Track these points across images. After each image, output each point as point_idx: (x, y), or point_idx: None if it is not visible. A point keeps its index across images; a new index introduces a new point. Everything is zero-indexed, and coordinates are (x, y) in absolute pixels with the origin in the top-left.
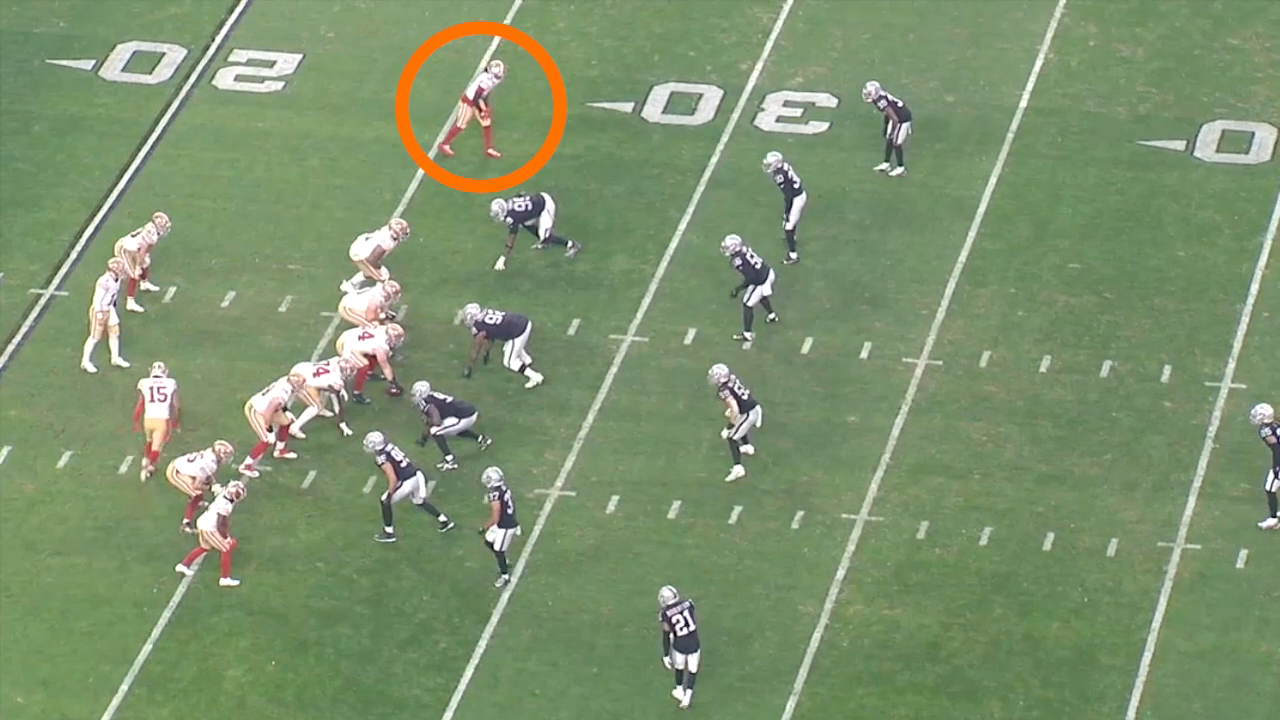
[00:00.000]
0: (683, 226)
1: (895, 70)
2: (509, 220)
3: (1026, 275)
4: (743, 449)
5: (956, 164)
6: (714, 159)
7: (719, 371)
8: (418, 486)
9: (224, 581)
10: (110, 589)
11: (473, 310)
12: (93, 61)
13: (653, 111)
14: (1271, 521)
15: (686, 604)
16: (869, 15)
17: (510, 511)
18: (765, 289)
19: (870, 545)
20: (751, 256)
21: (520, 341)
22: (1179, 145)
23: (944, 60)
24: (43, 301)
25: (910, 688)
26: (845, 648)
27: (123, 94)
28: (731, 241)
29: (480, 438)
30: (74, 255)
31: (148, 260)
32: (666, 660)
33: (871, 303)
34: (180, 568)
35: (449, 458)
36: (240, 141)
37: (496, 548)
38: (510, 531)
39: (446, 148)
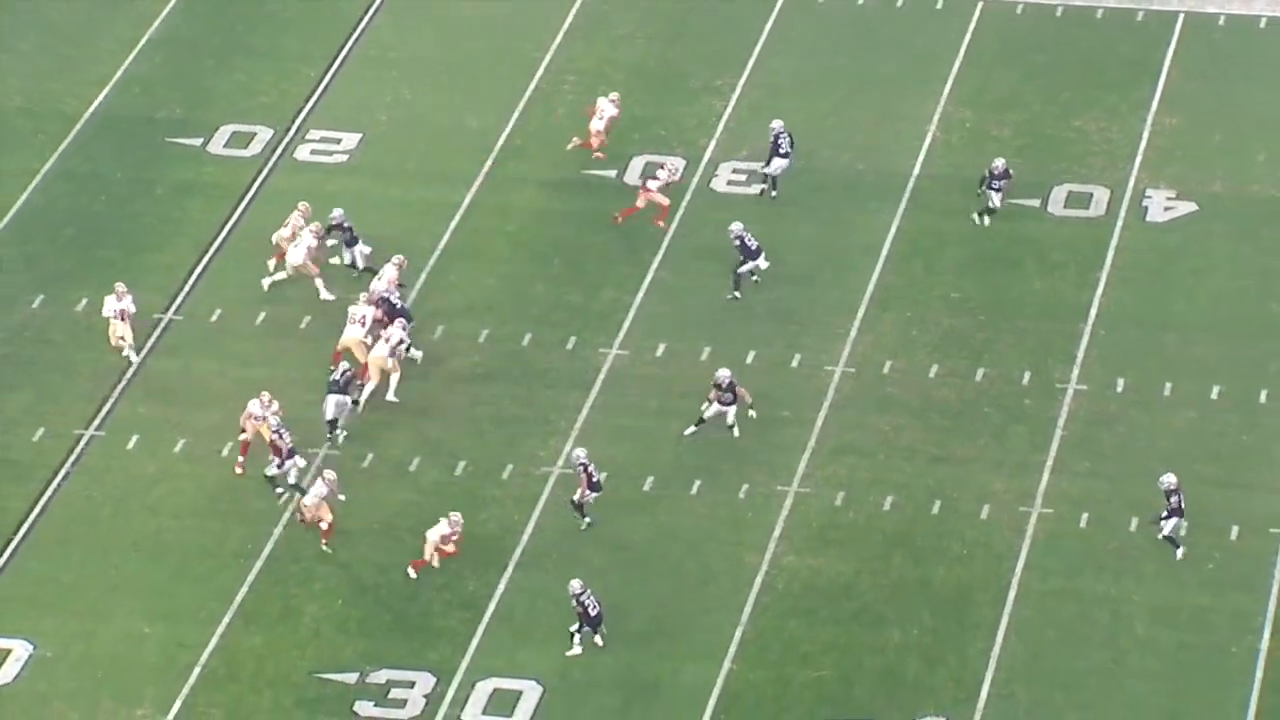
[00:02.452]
0: (654, 265)
1: (818, 145)
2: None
3: (919, 303)
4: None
5: (866, 217)
6: (679, 213)
7: (723, 374)
8: (593, 495)
9: (324, 546)
10: (215, 544)
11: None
12: (201, 139)
13: (631, 177)
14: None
15: (590, 591)
16: (798, 104)
17: (596, 480)
18: (761, 263)
19: (799, 510)
20: (749, 240)
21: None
22: (1035, 203)
23: (856, 137)
24: (162, 325)
25: (830, 620)
26: (780, 590)
27: (224, 165)
28: (735, 226)
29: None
30: (186, 289)
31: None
32: (573, 629)
33: (800, 324)
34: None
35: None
36: (313, 201)
37: (577, 500)
38: (593, 495)
39: (597, 150)
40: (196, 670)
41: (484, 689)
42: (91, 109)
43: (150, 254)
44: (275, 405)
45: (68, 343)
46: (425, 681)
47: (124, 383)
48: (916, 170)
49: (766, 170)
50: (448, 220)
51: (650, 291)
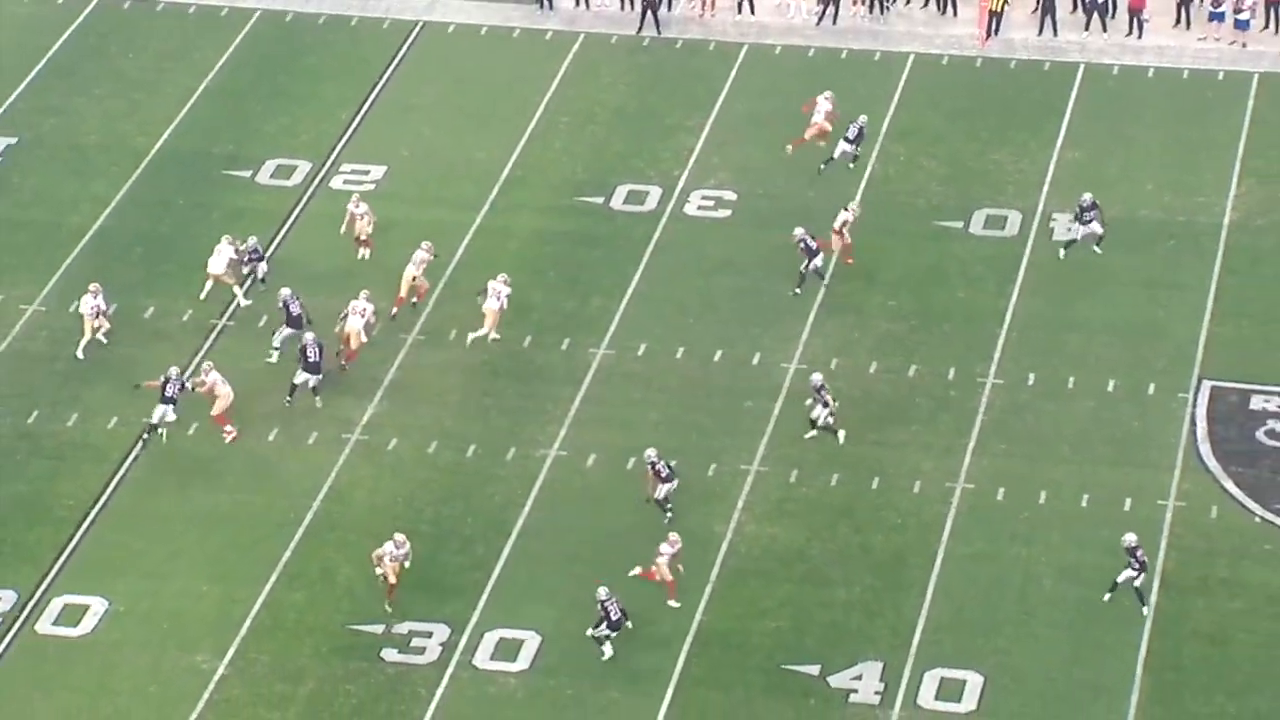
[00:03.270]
0: (636, 278)
1: (774, 175)
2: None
3: (860, 310)
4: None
5: (810, 221)
6: (656, 234)
7: (816, 378)
8: (671, 490)
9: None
10: (262, 516)
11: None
12: (250, 171)
13: (616, 202)
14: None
15: (615, 599)
16: (757, 141)
17: (665, 474)
18: (817, 261)
19: (759, 486)
20: (810, 241)
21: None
22: (959, 224)
23: (808, 168)
24: (217, 329)
25: (785, 579)
26: (743, 554)
27: (270, 193)
28: (798, 231)
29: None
30: (232, 302)
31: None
32: (591, 631)
33: (760, 327)
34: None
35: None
36: (341, 221)
37: (658, 498)
38: (668, 486)
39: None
40: (247, 623)
41: (491, 638)
42: (158, 145)
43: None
44: (408, 546)
45: (137, 344)
46: (441, 632)
47: (185, 376)
48: (858, 197)
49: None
50: (460, 239)
51: (632, 300)
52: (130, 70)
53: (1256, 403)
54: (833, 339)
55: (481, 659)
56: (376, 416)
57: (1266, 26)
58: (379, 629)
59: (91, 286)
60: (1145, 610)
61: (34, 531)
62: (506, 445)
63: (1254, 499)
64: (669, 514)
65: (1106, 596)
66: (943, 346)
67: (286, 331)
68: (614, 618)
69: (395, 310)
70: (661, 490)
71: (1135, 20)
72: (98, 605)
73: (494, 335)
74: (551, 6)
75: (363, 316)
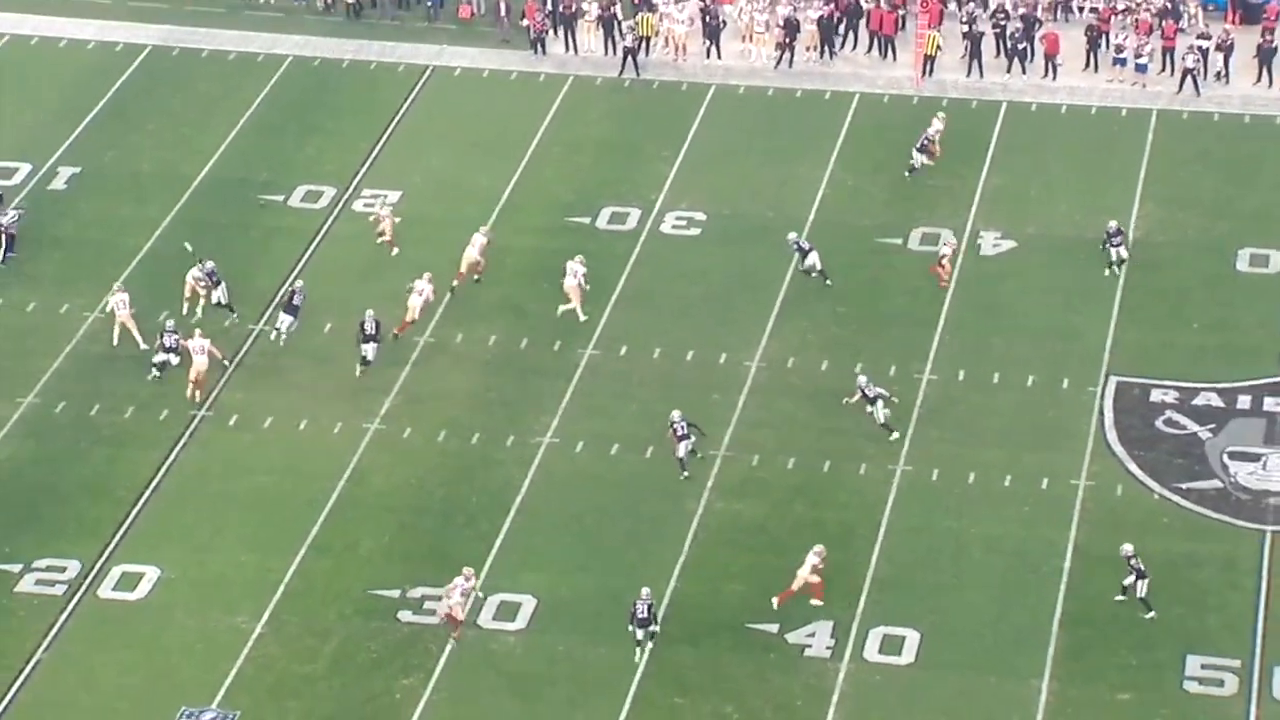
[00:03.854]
0: (618, 288)
1: (739, 198)
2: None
3: (813, 315)
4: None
5: (774, 251)
6: (636, 250)
7: (861, 380)
8: (688, 448)
9: (454, 639)
10: (293, 495)
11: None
12: (283, 195)
13: (601, 222)
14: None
15: (650, 603)
16: (723, 168)
17: (680, 433)
18: (812, 259)
19: (726, 469)
20: (803, 243)
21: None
22: (899, 241)
23: (767, 193)
24: (254, 333)
25: (748, 549)
26: (712, 527)
27: (300, 215)
28: (791, 236)
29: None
30: (272, 307)
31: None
32: (631, 627)
33: (726, 329)
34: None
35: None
36: (366, 239)
37: (679, 455)
38: (686, 442)
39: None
40: (280, 588)
41: (493, 601)
42: (202, 174)
43: (246, 281)
44: (474, 579)
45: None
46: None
47: (225, 377)
48: (811, 217)
49: (809, 266)
50: (458, 248)
51: (615, 307)
52: (179, 109)
53: (1156, 395)
54: (789, 341)
55: (485, 619)
56: (392, 409)
57: (1163, 70)
58: (395, 594)
59: (116, 287)
60: (1150, 616)
61: (96, 509)
62: (506, 433)
63: (1154, 479)
64: (685, 473)
65: (1119, 598)
66: (884, 347)
67: (286, 318)
68: (640, 616)
69: (456, 283)
70: (680, 448)
71: (1050, 64)
72: (151, 573)
73: (412, 318)
74: (544, 52)
75: (420, 295)
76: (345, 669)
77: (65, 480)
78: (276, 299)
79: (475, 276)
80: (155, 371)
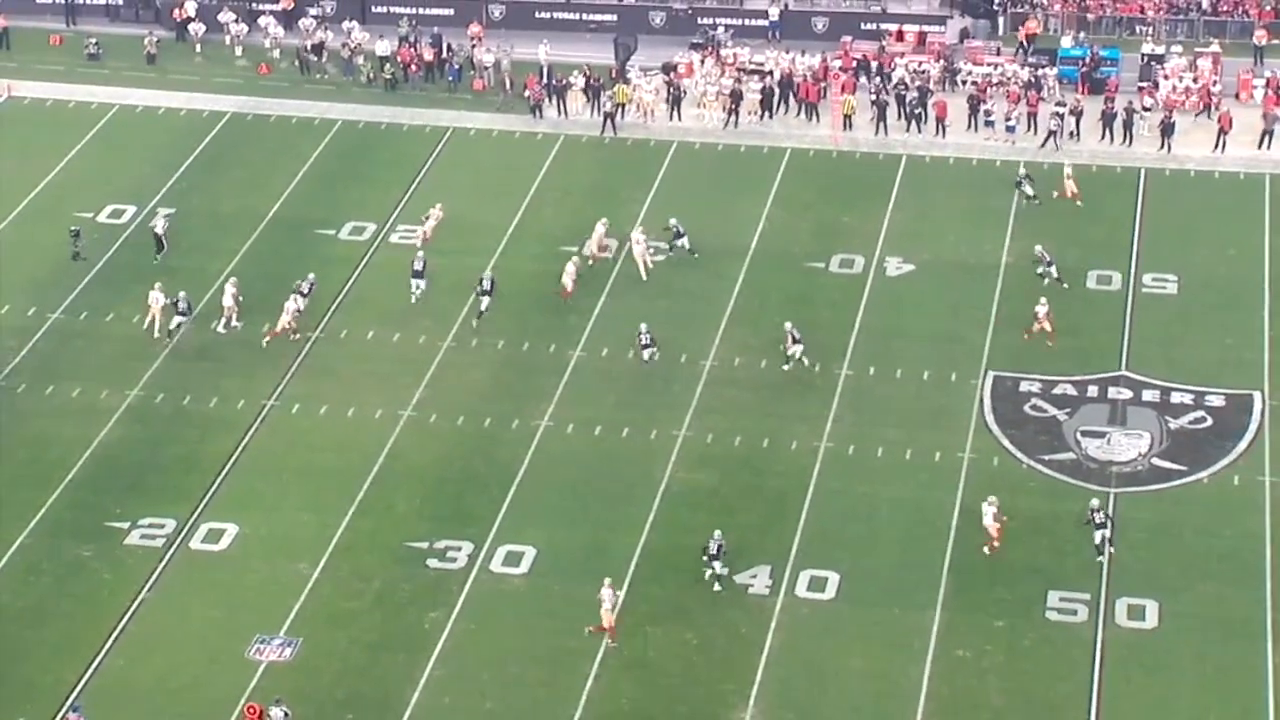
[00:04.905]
0: (600, 302)
1: (695, 227)
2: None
3: (756, 322)
4: None
5: (724, 271)
6: (614, 271)
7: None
8: (650, 356)
9: (611, 642)
10: (344, 469)
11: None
12: (334, 230)
13: (589, 249)
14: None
15: (719, 539)
16: (684, 205)
17: (645, 343)
18: (685, 242)
19: (686, 445)
20: (679, 227)
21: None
22: (822, 265)
23: (716, 224)
24: (312, 339)
25: (705, 510)
26: (675, 492)
27: (348, 245)
28: (672, 221)
29: None
30: (327, 318)
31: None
32: (705, 559)
33: (687, 334)
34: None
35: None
36: (398, 265)
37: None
38: (649, 351)
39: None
40: (333, 541)
41: (501, 551)
42: (271, 213)
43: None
44: (616, 590)
45: (257, 349)
46: (467, 547)
47: (289, 374)
48: (753, 245)
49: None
50: (479, 276)
51: (599, 317)
52: (252, 162)
53: (1024, 386)
54: (736, 343)
55: (495, 565)
56: (422, 399)
57: (1028, 130)
58: (424, 545)
59: (157, 284)
60: (1100, 559)
61: (188, 478)
62: (512, 418)
63: (1022, 452)
64: (647, 359)
65: (1100, 557)
66: (811, 349)
67: (302, 302)
68: (714, 550)
69: (593, 260)
70: (645, 354)
71: (940, 125)
72: (231, 530)
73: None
74: (541, 116)
75: (432, 219)
76: (385, 605)
77: (164, 456)
78: (331, 310)
79: (591, 262)
80: (173, 331)
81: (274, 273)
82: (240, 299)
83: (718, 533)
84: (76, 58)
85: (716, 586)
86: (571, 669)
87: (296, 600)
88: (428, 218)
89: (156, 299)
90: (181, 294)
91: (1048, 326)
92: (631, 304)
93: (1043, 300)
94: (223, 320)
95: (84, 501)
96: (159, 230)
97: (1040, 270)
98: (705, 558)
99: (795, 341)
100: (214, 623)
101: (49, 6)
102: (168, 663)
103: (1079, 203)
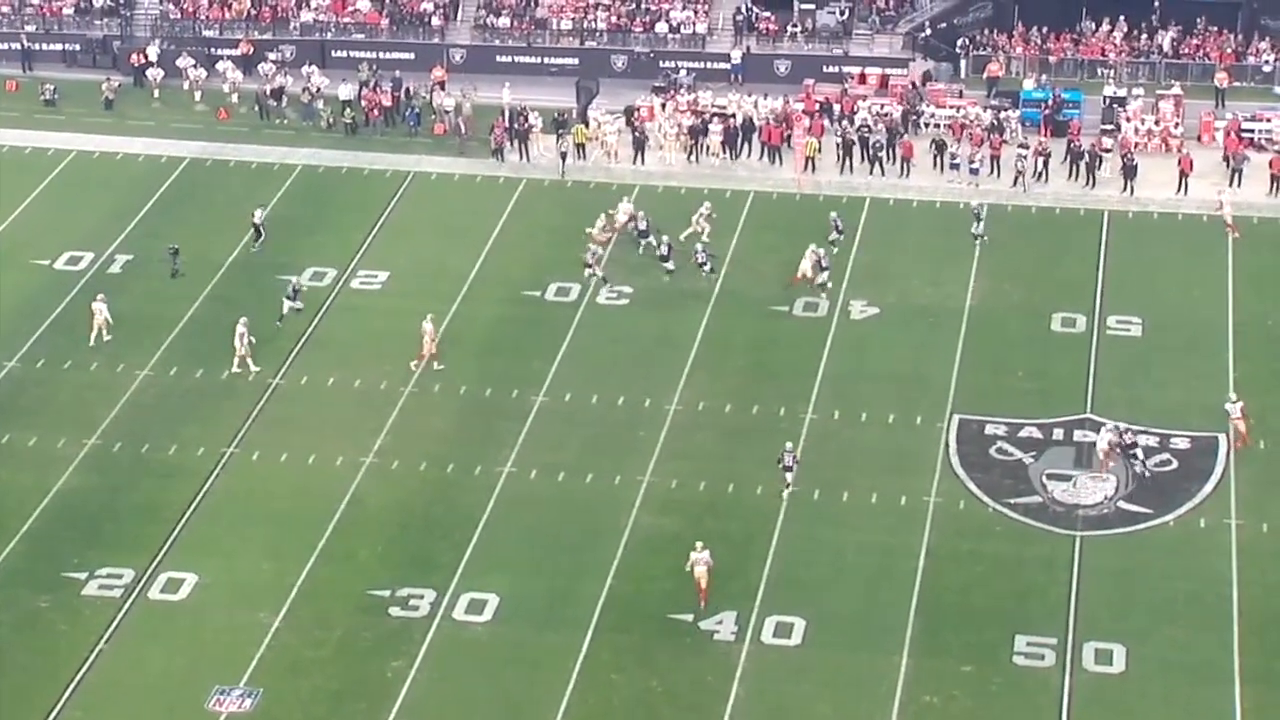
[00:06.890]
0: (563, 348)
1: (659, 275)
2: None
3: (719, 368)
4: None
5: (688, 315)
6: (577, 316)
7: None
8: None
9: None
10: (304, 516)
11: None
12: (295, 275)
13: (549, 295)
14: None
15: (792, 450)
16: (649, 251)
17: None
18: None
19: (650, 490)
20: (643, 224)
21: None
22: (786, 309)
23: (677, 262)
24: (271, 388)
25: (670, 553)
26: (639, 538)
27: (310, 290)
28: (627, 206)
29: None
30: (289, 361)
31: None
32: (780, 468)
33: (650, 380)
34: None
35: None
36: (361, 311)
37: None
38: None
39: None
40: (294, 589)
41: (465, 599)
42: (230, 258)
43: (268, 342)
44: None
45: (217, 395)
46: (430, 595)
47: (249, 421)
48: (717, 289)
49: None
50: (440, 322)
51: (561, 363)
52: (211, 207)
53: (990, 429)
54: (701, 388)
55: (458, 613)
56: (383, 446)
57: (992, 173)
58: (386, 593)
59: (99, 296)
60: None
61: (147, 527)
62: (475, 464)
63: (988, 495)
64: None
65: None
66: (776, 392)
67: (297, 304)
68: (786, 464)
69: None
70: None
71: (905, 166)
72: (191, 579)
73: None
74: (503, 159)
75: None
76: (347, 654)
77: (122, 505)
78: (291, 355)
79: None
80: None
81: (232, 320)
82: (253, 340)
83: (789, 444)
84: (33, 103)
85: (783, 493)
86: (536, 717)
87: (257, 650)
88: (615, 211)
89: (99, 309)
90: (293, 279)
91: (809, 274)
92: (595, 349)
93: (812, 248)
94: (235, 361)
95: (41, 551)
96: (256, 220)
97: (832, 238)
98: (780, 467)
99: (823, 269)
100: (173, 673)
101: (4, 52)
102: (126, 714)
103: (1236, 234)
